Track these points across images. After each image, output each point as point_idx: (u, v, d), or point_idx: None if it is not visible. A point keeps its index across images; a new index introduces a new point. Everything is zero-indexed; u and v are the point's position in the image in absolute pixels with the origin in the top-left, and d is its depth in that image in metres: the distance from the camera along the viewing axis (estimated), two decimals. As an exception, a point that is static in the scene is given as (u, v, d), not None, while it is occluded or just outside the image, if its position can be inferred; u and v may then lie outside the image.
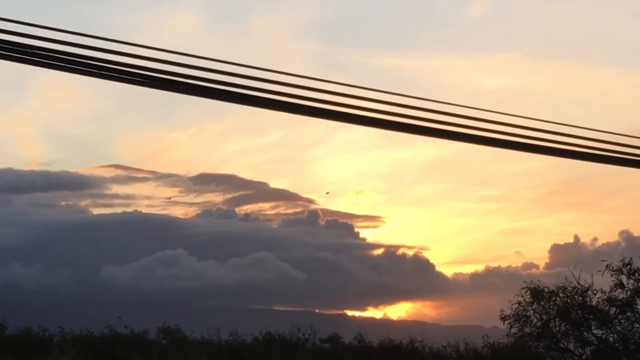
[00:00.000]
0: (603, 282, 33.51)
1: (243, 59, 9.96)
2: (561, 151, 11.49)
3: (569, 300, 33.60)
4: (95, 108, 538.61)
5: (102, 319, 50.73)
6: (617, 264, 33.18)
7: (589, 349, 34.14)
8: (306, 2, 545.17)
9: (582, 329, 33.71)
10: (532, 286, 33.95)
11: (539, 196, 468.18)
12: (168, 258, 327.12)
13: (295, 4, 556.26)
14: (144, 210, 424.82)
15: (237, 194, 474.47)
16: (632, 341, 33.63)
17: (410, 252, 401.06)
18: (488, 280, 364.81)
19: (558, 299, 33.73)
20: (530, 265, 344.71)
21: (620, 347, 33.85)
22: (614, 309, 33.44)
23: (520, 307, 33.76)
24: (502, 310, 34.06)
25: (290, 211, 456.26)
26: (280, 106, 10.01)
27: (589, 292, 33.56)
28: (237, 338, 49.90)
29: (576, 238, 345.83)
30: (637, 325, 33.78)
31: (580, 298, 33.58)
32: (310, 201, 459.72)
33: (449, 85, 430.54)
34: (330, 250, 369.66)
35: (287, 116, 10.70)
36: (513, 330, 33.93)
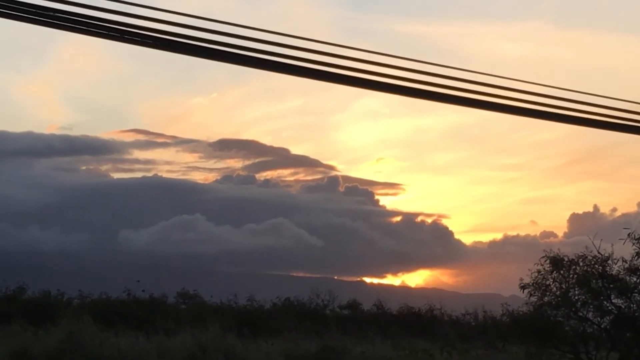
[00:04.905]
0: (623, 250, 33.35)
1: (266, 24, 9.94)
2: (583, 120, 11.43)
3: (588, 269, 33.46)
4: (117, 72, 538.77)
5: (121, 282, 50.76)
6: (639, 232, 32.96)
7: (608, 318, 34.04)
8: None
9: (601, 298, 33.59)
10: (551, 255, 33.82)
11: (559, 165, 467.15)
12: (185, 223, 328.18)
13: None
14: (164, 175, 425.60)
15: (257, 160, 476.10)
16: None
17: (429, 220, 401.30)
18: (506, 248, 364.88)
19: (578, 267, 33.61)
20: (549, 234, 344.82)
21: (640, 316, 33.79)
22: (634, 278, 33.33)
23: (539, 276, 33.66)
24: (521, 279, 33.98)
25: (310, 177, 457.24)
26: (302, 72, 9.98)
27: (609, 262, 33.42)
28: (256, 303, 50.10)
29: (595, 208, 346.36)
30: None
31: (600, 267, 33.43)
32: (331, 168, 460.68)
33: (471, 52, 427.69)
34: (349, 217, 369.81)
35: (309, 82, 10.69)
36: (532, 299, 33.85)
